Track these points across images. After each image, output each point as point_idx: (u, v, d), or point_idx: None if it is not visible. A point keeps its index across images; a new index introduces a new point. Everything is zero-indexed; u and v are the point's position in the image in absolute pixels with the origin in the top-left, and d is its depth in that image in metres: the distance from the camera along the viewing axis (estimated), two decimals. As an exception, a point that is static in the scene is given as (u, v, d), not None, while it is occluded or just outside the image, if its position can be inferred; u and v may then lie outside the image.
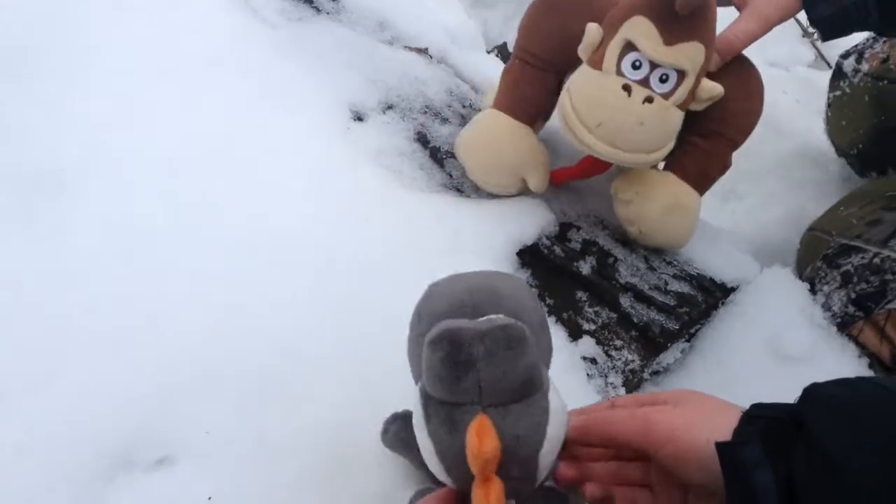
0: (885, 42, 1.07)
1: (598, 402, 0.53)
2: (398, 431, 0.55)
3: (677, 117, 0.69)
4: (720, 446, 0.42)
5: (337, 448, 0.58)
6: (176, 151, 0.74)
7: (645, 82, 0.67)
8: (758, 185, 1.24)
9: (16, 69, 0.77)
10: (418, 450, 0.44)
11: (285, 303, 0.65)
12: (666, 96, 0.67)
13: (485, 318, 0.43)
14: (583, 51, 0.70)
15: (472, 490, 0.40)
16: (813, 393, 0.42)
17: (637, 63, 0.66)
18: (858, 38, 1.11)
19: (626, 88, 0.66)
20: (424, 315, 0.48)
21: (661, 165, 0.79)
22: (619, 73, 0.67)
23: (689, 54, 0.66)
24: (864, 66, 1.06)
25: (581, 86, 0.70)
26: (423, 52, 0.98)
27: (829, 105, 1.13)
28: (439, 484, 0.45)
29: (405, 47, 0.97)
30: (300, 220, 0.72)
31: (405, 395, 0.60)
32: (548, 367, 0.49)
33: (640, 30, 0.65)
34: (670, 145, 0.71)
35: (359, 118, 0.86)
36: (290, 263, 0.68)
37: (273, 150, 0.77)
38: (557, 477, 0.49)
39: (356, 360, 0.63)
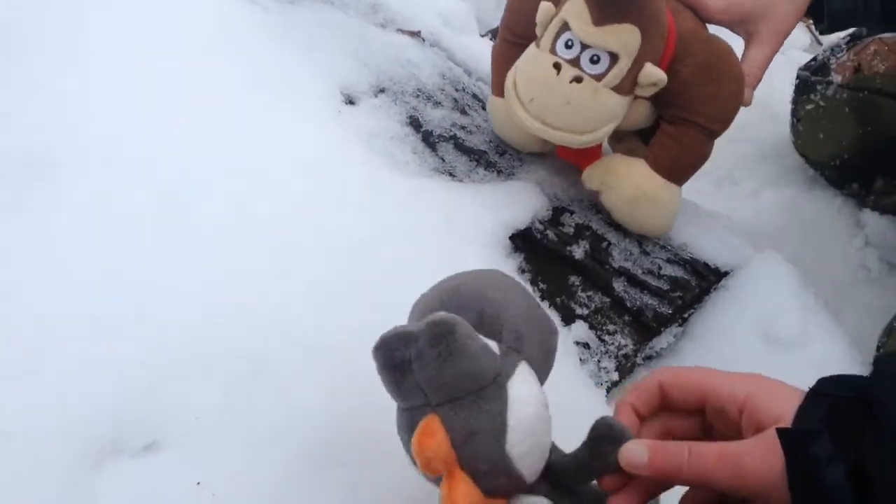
0: (849, 51, 1.07)
1: (646, 386, 0.48)
2: None
3: (612, 100, 0.68)
4: (784, 438, 0.39)
5: (328, 434, 0.58)
6: (164, 135, 0.73)
7: (575, 62, 0.67)
8: (752, 170, 1.23)
9: (3, 49, 0.76)
10: None
11: (275, 288, 0.64)
12: (597, 78, 0.67)
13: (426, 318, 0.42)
14: (537, 30, 0.70)
15: (440, 490, 0.40)
16: (884, 370, 0.40)
17: (569, 42, 0.67)
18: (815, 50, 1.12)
19: (557, 66, 0.67)
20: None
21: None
22: (553, 51, 0.67)
23: (621, 37, 0.65)
24: (836, 78, 1.06)
25: (522, 62, 0.71)
26: (415, 35, 0.97)
27: (798, 120, 1.13)
28: None
29: (398, 30, 0.97)
30: (290, 204, 0.71)
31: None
32: (543, 357, 0.48)
33: (574, 10, 0.66)
34: (608, 128, 0.70)
35: (350, 102, 0.85)
36: (280, 248, 0.67)
37: (263, 133, 0.77)
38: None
39: (347, 345, 0.62)
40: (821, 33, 0.83)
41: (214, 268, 0.64)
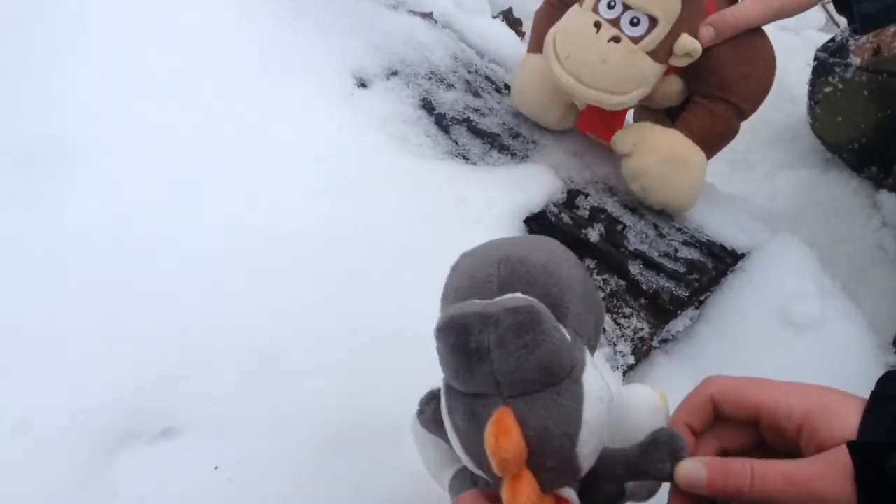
0: None
1: (697, 401, 0.46)
2: (435, 412, 0.48)
3: (646, 65, 0.70)
4: (856, 454, 0.38)
5: (341, 420, 0.58)
6: (174, 125, 0.72)
7: (615, 22, 0.69)
8: (767, 152, 1.22)
9: (9, 39, 0.75)
10: None
11: (288, 277, 0.64)
12: (635, 40, 0.69)
13: (499, 299, 0.38)
14: None
15: (503, 488, 0.37)
16: None
17: (611, 3, 0.69)
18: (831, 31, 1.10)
19: (597, 25, 0.69)
20: (447, 291, 0.44)
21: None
22: (595, 10, 0.70)
23: (663, 1, 0.68)
24: (855, 60, 1.04)
25: (563, 20, 0.73)
26: (427, 16, 0.96)
27: (815, 102, 1.11)
28: None
29: (409, 12, 0.96)
30: (302, 191, 0.70)
31: (410, 368, 0.60)
32: (595, 340, 0.45)
33: None
34: (639, 92, 0.72)
35: (363, 85, 0.84)
36: (291, 236, 0.67)
37: (275, 119, 0.76)
38: None
39: (360, 332, 0.62)
40: (854, 32, 0.81)
41: (227, 258, 0.64)
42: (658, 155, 0.76)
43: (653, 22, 0.68)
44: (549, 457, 0.37)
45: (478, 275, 0.42)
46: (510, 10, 1.23)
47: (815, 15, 1.52)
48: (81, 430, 0.54)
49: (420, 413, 0.48)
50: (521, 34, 1.13)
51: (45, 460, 0.53)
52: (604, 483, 0.44)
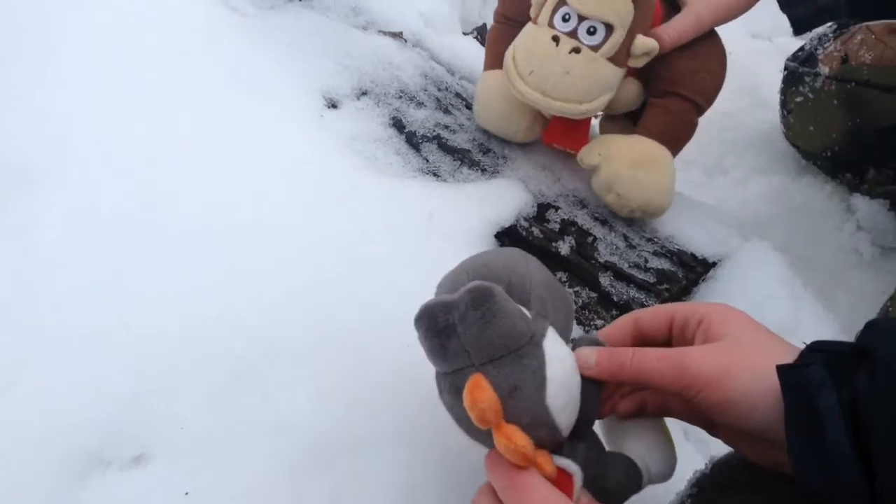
0: (835, 40, 1.06)
1: (622, 320, 0.52)
2: None
3: (608, 70, 0.72)
4: (781, 368, 0.41)
5: (314, 439, 0.58)
6: (145, 143, 0.73)
7: (573, 34, 0.71)
8: (743, 158, 1.23)
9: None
10: None
11: (258, 292, 0.64)
12: (594, 49, 0.71)
13: (462, 288, 0.45)
14: (532, 9, 0.75)
15: (494, 441, 0.42)
16: (875, 324, 0.42)
17: (566, 16, 0.72)
18: (803, 38, 1.12)
19: (555, 39, 0.72)
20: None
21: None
22: (551, 25, 0.72)
23: (616, 8, 0.70)
24: (824, 69, 1.05)
25: (520, 38, 0.75)
26: (397, 36, 0.97)
27: (788, 111, 1.13)
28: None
29: (379, 32, 0.96)
30: (271, 208, 0.71)
31: (383, 380, 0.61)
32: (568, 331, 0.51)
33: None
34: (604, 98, 0.74)
35: (333, 105, 0.85)
36: (261, 253, 0.67)
37: (245, 140, 0.77)
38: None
39: (331, 348, 0.62)
40: (794, 35, 0.84)
41: (195, 275, 0.64)
42: (626, 159, 0.77)
43: (609, 29, 0.71)
44: (523, 413, 0.43)
45: (456, 282, 0.49)
46: (484, 26, 1.24)
47: (787, 21, 1.53)
48: (50, 457, 0.54)
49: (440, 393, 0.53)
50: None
51: (14, 488, 0.52)
52: (614, 469, 0.48)
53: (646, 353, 0.46)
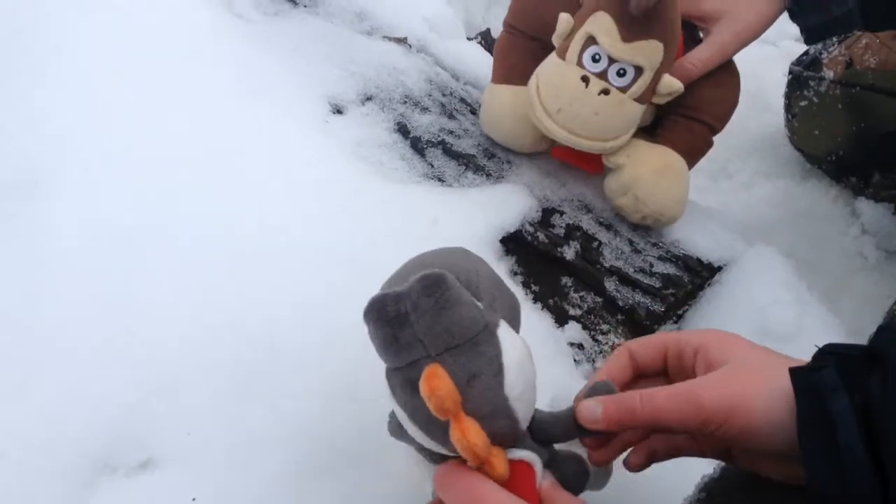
0: (840, 44, 1.06)
1: (618, 353, 0.50)
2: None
3: (634, 110, 0.73)
4: (794, 371, 0.41)
5: (320, 445, 0.58)
6: (149, 149, 0.73)
7: (603, 75, 0.71)
8: (748, 162, 1.23)
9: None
10: None
11: (263, 298, 0.64)
12: (623, 90, 0.71)
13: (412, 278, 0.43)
14: (555, 39, 0.74)
15: (451, 435, 0.40)
16: (887, 328, 0.42)
17: (597, 56, 0.70)
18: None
19: (585, 79, 0.71)
20: None
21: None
22: (580, 64, 0.71)
23: (646, 52, 0.69)
24: (828, 74, 1.05)
25: (546, 73, 0.74)
26: (402, 41, 0.97)
27: (792, 116, 1.13)
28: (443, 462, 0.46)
29: (384, 38, 0.97)
30: (278, 215, 0.71)
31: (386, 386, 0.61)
32: (517, 326, 0.51)
33: (602, 26, 0.69)
34: (628, 135, 0.75)
35: (338, 111, 0.85)
36: (267, 259, 0.67)
37: (250, 146, 0.77)
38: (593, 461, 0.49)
39: (336, 352, 0.62)
40: (807, 44, 0.84)
41: (201, 282, 0.65)
42: (651, 165, 0.78)
43: (639, 71, 0.70)
44: (482, 402, 0.42)
45: (399, 282, 0.46)
46: (488, 31, 1.24)
47: (791, 26, 1.53)
48: (58, 464, 0.55)
49: (389, 423, 0.52)
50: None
51: (22, 495, 0.53)
52: (567, 460, 0.48)
53: (654, 394, 0.44)
